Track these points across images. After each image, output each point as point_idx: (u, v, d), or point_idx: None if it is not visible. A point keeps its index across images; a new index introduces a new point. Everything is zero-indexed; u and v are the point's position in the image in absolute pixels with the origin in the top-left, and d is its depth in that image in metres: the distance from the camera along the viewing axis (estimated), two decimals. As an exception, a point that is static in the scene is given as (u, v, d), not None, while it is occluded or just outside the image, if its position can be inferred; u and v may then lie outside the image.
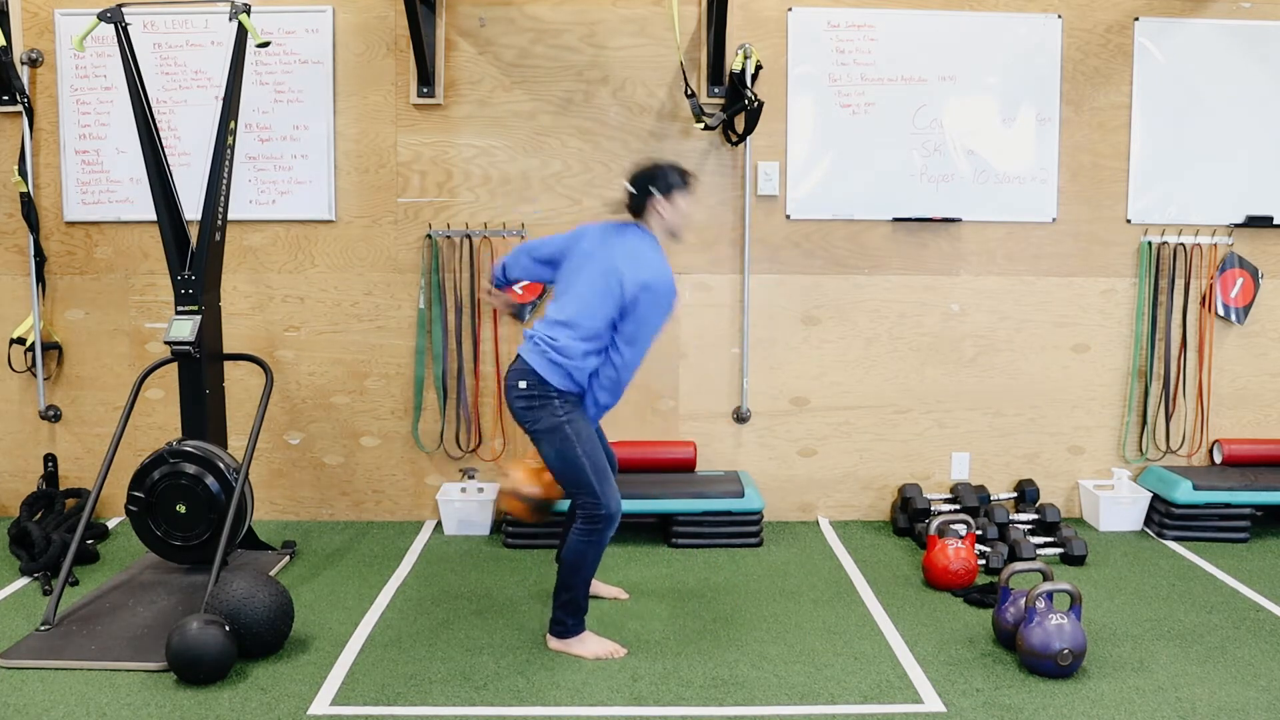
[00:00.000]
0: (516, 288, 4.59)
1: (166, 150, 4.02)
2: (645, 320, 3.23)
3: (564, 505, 3.52)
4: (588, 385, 3.30)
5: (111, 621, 3.52)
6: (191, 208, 4.06)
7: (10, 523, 4.41)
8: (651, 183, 3.32)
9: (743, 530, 4.45)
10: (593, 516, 3.26)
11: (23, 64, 4.61)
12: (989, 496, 4.68)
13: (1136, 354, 4.85)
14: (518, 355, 3.34)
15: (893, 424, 4.86)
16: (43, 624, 3.46)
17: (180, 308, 4.00)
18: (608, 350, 3.27)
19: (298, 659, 3.29)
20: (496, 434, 4.83)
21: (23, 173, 4.61)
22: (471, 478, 4.68)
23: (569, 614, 3.35)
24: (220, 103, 3.98)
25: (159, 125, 4.03)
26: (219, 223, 4.02)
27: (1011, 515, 4.56)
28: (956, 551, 3.92)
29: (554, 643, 3.38)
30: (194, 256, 3.99)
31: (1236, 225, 4.78)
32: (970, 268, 4.79)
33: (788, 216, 4.74)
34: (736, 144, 4.66)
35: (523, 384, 3.27)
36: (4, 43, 4.46)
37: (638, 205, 3.35)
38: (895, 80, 4.68)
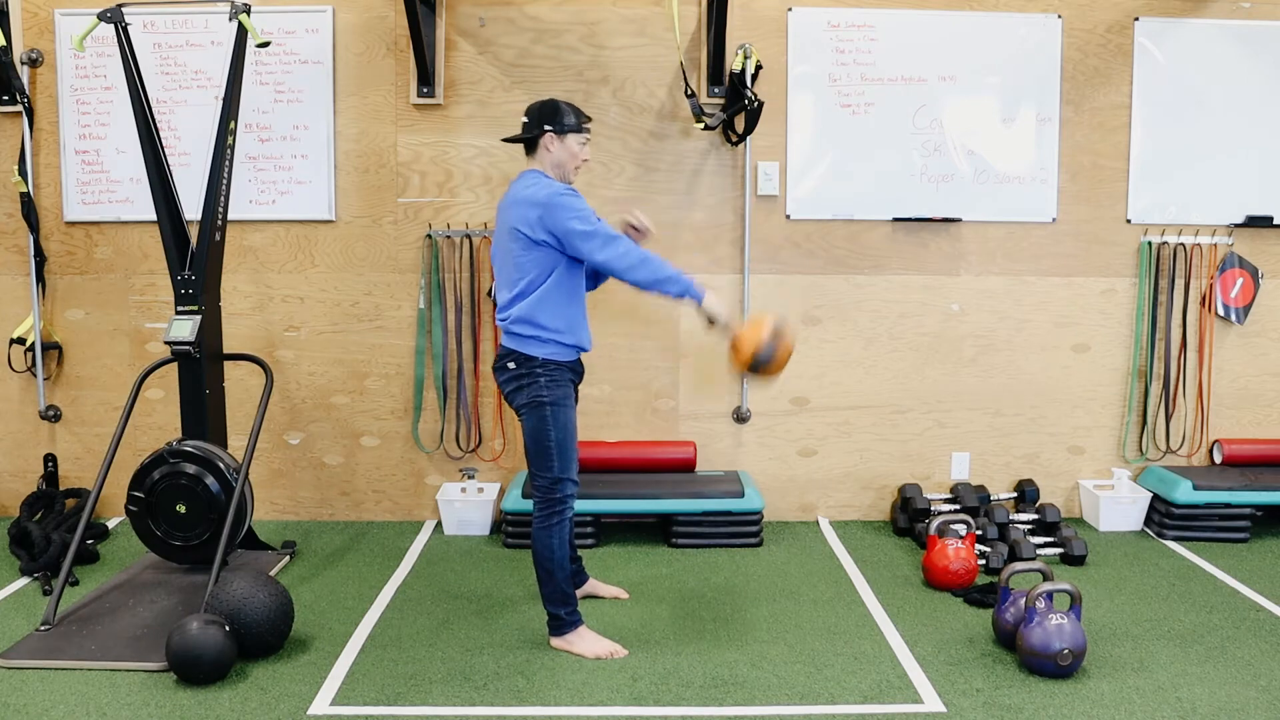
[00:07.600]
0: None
1: (166, 150, 4.02)
2: (570, 227, 3.19)
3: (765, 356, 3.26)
4: (571, 319, 3.33)
5: (111, 621, 3.52)
6: (191, 208, 4.06)
7: (10, 523, 4.41)
8: (543, 118, 3.34)
9: (743, 530, 4.45)
10: (547, 500, 3.34)
11: (23, 64, 4.61)
12: (989, 496, 4.67)
13: (1136, 354, 4.85)
14: (499, 345, 3.42)
15: (893, 424, 4.86)
16: (43, 624, 3.46)
17: (180, 308, 4.00)
18: (570, 269, 3.30)
19: (298, 659, 3.29)
20: (496, 434, 4.83)
21: (23, 173, 4.61)
22: (471, 478, 4.68)
23: (558, 605, 3.37)
24: (220, 103, 3.98)
25: (159, 125, 4.03)
26: (219, 223, 4.02)
27: (1011, 515, 4.56)
28: (956, 551, 3.92)
29: (554, 641, 3.39)
30: (194, 256, 4.00)
31: (1236, 225, 4.78)
32: (970, 268, 4.79)
33: (788, 216, 4.74)
34: (736, 144, 4.66)
35: (511, 365, 3.34)
36: (4, 43, 4.46)
37: (529, 137, 3.36)
38: (895, 80, 4.68)
